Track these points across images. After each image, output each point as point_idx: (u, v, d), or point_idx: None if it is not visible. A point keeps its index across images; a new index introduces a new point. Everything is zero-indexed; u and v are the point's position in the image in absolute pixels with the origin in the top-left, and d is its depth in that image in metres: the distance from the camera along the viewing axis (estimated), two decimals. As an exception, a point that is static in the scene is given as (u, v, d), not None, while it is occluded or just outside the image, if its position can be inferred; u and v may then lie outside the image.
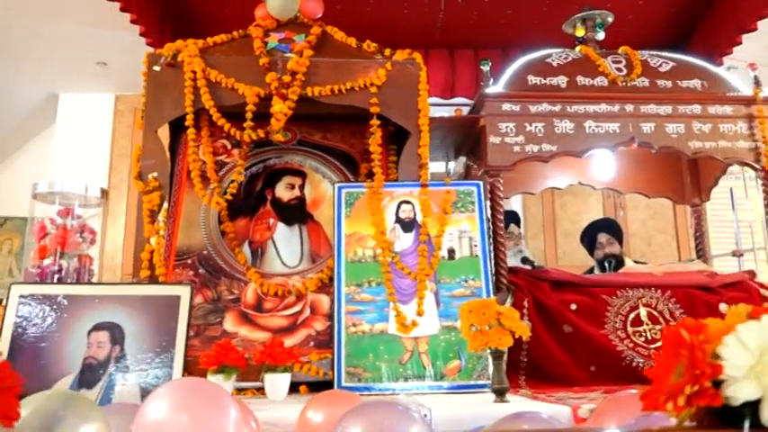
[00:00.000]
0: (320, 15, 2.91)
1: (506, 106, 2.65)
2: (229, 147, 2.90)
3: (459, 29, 3.61)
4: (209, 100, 2.55)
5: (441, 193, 2.55)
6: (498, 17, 3.49)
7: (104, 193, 4.08)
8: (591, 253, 3.78)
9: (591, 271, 3.83)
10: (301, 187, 2.86)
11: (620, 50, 2.92)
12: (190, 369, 2.32)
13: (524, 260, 3.33)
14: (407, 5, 3.34)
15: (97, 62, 4.49)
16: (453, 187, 2.56)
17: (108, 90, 4.83)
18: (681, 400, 0.52)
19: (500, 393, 1.88)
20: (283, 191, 2.84)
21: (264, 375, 2.15)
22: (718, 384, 0.54)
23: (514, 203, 5.15)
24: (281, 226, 2.76)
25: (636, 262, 3.69)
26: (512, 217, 3.57)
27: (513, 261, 3.37)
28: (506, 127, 2.62)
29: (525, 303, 2.44)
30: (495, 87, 2.71)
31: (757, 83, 2.77)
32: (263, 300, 2.58)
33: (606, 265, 3.50)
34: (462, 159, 3.01)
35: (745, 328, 0.54)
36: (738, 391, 0.51)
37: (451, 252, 2.48)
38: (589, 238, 3.78)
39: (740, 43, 3.53)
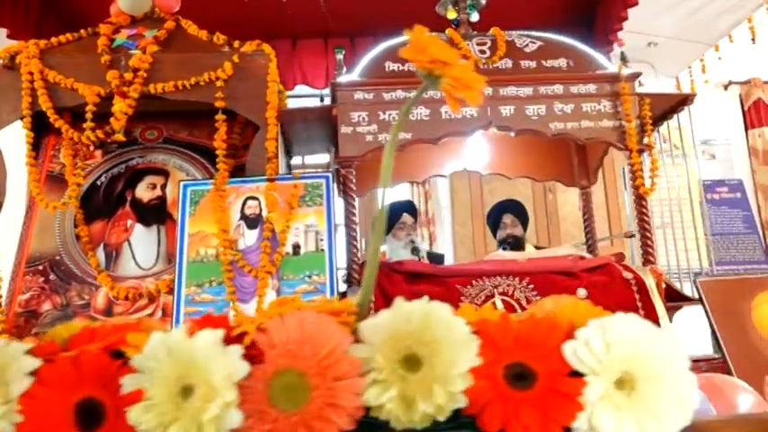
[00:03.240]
0: (177, 9, 2.83)
1: (359, 95, 2.57)
2: (92, 148, 2.83)
3: (346, 17, 3.53)
4: (47, 101, 2.47)
5: (289, 188, 2.48)
6: (379, 3, 3.40)
7: None
8: (494, 233, 3.73)
9: (495, 255, 3.78)
10: (163, 187, 2.79)
11: (490, 32, 2.83)
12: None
13: (414, 250, 3.27)
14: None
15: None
16: (302, 180, 2.49)
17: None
18: None
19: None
20: (144, 191, 2.77)
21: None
22: None
23: (441, 190, 5.07)
24: (138, 227, 2.70)
25: (536, 248, 3.62)
26: (405, 206, 3.50)
27: (403, 252, 3.31)
28: (359, 116, 2.55)
29: (371, 297, 2.36)
30: (351, 75, 2.63)
31: (623, 59, 2.68)
32: (114, 304, 2.52)
33: (504, 247, 3.45)
34: (333, 151, 2.94)
35: None
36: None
37: (296, 247, 2.41)
38: (494, 218, 3.73)
39: (626, 18, 3.44)
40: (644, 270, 2.52)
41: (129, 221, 2.71)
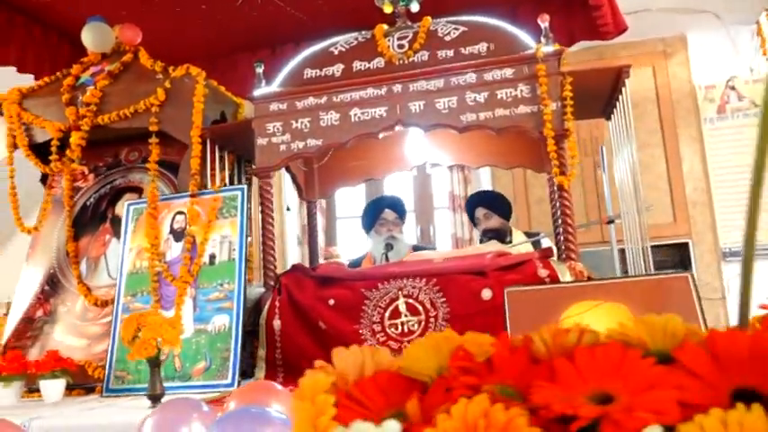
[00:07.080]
0: (139, 41, 3.10)
1: (274, 106, 2.65)
2: (87, 172, 3.25)
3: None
4: (23, 140, 2.91)
5: (210, 201, 2.66)
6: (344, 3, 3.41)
7: None
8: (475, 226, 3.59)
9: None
10: (137, 203, 3.12)
11: (421, 22, 2.74)
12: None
13: (386, 246, 3.28)
14: (247, 9, 3.41)
15: None
16: (221, 194, 2.66)
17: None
18: None
19: (154, 399, 2.01)
20: (122, 208, 3.13)
21: (40, 382, 2.49)
22: None
23: (483, 176, 4.91)
24: (114, 241, 3.06)
25: (527, 234, 3.40)
26: (388, 202, 3.47)
27: (378, 249, 3.33)
28: (273, 127, 2.64)
29: (277, 303, 2.48)
30: (272, 87, 2.72)
31: (546, 35, 2.45)
32: (88, 310, 2.91)
33: (482, 239, 3.31)
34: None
35: None
36: None
37: (213, 257, 2.59)
38: (468, 213, 3.57)
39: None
40: (561, 267, 2.33)
41: (108, 236, 3.08)
